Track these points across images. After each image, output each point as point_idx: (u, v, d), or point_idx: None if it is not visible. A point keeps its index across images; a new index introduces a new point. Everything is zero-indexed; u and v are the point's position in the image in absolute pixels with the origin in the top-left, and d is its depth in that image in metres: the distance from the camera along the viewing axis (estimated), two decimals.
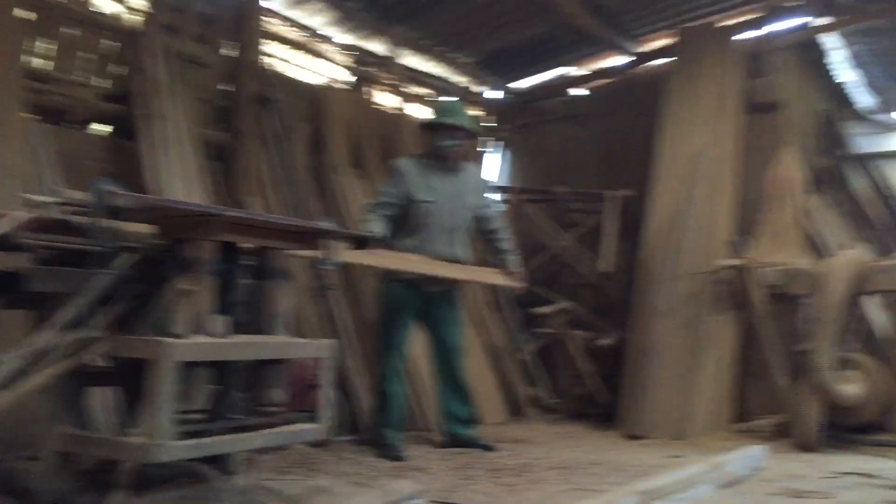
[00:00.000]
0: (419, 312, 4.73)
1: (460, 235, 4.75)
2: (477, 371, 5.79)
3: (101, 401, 3.77)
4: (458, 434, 4.76)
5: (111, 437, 2.79)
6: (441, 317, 4.74)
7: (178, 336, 2.56)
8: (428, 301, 4.72)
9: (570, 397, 6.57)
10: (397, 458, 4.32)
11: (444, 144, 4.62)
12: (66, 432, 2.66)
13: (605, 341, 6.49)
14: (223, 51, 5.71)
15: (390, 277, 4.62)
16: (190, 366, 2.60)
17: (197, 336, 2.66)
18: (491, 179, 7.09)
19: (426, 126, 4.84)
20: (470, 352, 5.32)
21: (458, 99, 7.03)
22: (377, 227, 4.41)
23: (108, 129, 5.05)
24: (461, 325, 4.87)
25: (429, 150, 4.72)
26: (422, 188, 4.59)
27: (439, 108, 4.95)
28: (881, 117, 9.19)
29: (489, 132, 8.11)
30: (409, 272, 4.48)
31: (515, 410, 6.23)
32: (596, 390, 6.42)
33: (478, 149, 7.69)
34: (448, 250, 4.65)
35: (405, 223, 4.61)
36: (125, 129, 4.97)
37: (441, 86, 7.83)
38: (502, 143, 8.56)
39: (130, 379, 2.97)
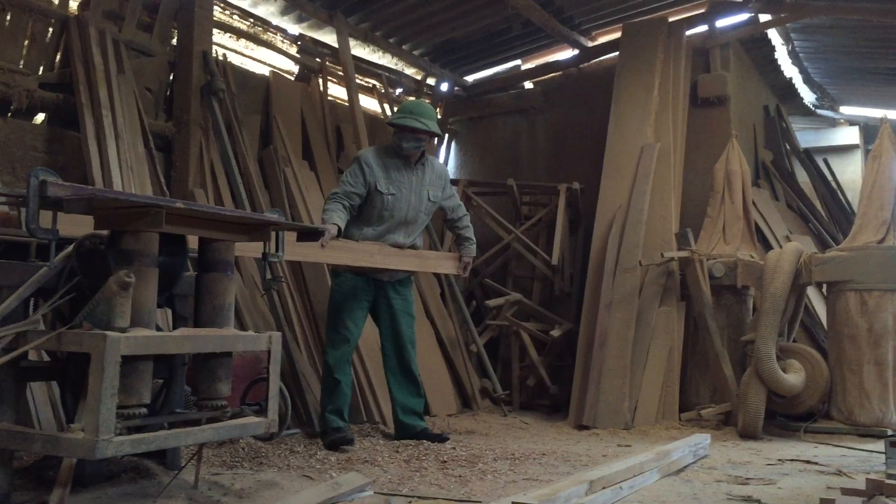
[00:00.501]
0: (370, 303, 4.72)
1: (418, 228, 4.78)
2: (428, 363, 5.79)
3: (42, 396, 3.71)
4: (409, 425, 4.75)
5: (52, 432, 2.73)
6: (392, 308, 4.73)
7: (120, 329, 2.51)
8: (379, 291, 4.71)
9: (520, 388, 6.61)
10: (347, 442, 4.31)
11: (407, 146, 4.60)
12: (5, 428, 2.59)
13: (555, 333, 6.54)
14: (170, 40, 5.62)
15: (342, 267, 4.60)
16: (133, 359, 2.54)
17: (140, 329, 2.61)
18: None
19: (390, 125, 4.81)
20: (421, 343, 5.31)
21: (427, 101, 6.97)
22: (337, 216, 4.38)
23: (42, 116, 4.94)
24: (412, 316, 4.86)
25: (392, 144, 4.69)
26: (384, 180, 4.58)
27: (404, 107, 4.85)
28: (825, 112, 9.43)
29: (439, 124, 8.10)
30: (358, 265, 4.49)
31: (466, 402, 6.24)
32: (546, 381, 6.46)
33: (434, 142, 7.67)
34: (406, 241, 4.67)
35: (365, 213, 4.60)
36: (67, 119, 4.87)
37: (392, 77, 7.80)
38: (451, 135, 8.57)
39: (72, 373, 2.92)
